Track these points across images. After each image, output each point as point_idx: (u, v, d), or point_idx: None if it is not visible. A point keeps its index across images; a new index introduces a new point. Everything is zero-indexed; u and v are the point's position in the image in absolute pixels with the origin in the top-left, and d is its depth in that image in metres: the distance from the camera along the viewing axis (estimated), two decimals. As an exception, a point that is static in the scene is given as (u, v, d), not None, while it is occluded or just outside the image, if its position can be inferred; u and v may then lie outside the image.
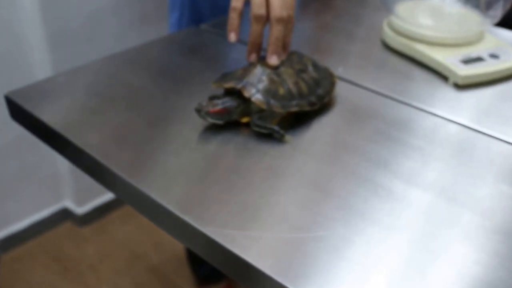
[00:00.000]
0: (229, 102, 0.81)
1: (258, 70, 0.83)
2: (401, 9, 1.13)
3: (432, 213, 0.69)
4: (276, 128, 0.80)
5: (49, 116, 0.87)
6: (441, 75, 1.01)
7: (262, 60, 0.87)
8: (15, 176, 1.98)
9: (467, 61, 1.01)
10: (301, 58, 0.90)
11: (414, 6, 1.17)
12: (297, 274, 0.60)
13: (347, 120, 0.87)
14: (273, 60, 0.85)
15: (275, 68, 0.84)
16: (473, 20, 1.11)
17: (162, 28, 1.74)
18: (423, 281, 0.60)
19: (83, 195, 2.14)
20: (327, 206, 0.69)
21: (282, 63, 0.86)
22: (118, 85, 0.95)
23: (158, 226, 0.72)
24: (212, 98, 0.83)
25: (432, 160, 0.78)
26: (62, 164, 2.05)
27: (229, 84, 0.82)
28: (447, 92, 0.97)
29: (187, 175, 0.74)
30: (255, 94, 0.80)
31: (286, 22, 0.85)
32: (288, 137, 0.81)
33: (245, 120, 0.83)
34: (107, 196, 2.20)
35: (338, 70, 1.00)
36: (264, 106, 0.80)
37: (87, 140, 0.80)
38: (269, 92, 0.81)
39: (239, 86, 0.81)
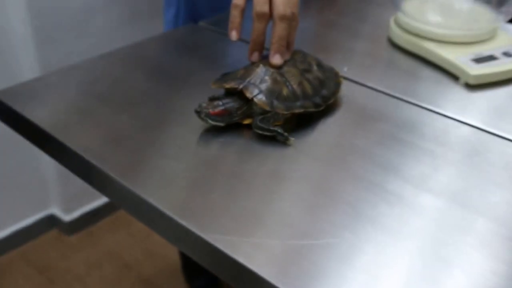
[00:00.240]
0: (230, 103, 0.82)
1: (261, 70, 0.84)
2: (408, 5, 1.14)
3: (444, 220, 0.70)
4: (279, 130, 0.81)
5: (40, 117, 0.87)
6: (451, 74, 1.02)
7: (264, 59, 0.87)
8: (-3, 181, 1.99)
9: (479, 59, 1.02)
10: (305, 58, 0.91)
11: (422, 2, 1.18)
12: (303, 283, 0.60)
13: (354, 122, 0.88)
14: (276, 59, 0.85)
15: (278, 68, 0.85)
16: (485, 16, 1.12)
17: (155, 25, 1.74)
18: (435, 291, 0.60)
19: (71, 201, 2.15)
20: (334, 212, 0.70)
21: (286, 63, 0.87)
22: (113, 85, 0.96)
23: (157, 233, 0.73)
24: (213, 99, 0.84)
25: (444, 164, 0.79)
26: (48, 168, 2.05)
27: (230, 84, 0.83)
28: (458, 93, 0.98)
29: (186, 179, 0.75)
30: (258, 95, 0.81)
31: (290, 20, 0.86)
32: (292, 139, 0.82)
33: (247, 122, 0.84)
34: (97, 202, 2.21)
35: (344, 70, 1.01)
36: (267, 107, 0.81)
37: (81, 142, 0.81)
38: (272, 93, 0.82)
39: (240, 86, 0.82)
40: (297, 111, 0.83)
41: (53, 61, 1.82)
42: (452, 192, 0.74)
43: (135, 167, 0.77)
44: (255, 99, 0.81)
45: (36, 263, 2.06)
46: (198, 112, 0.81)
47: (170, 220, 0.69)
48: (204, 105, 0.81)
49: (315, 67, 0.90)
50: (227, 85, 0.83)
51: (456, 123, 0.89)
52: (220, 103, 0.82)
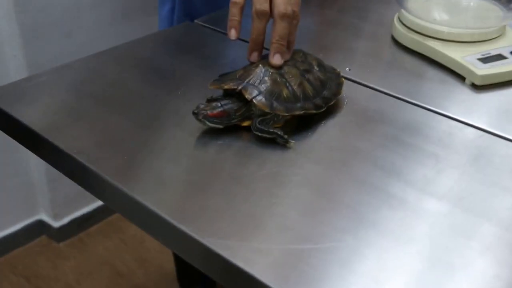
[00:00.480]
0: (228, 105, 0.84)
1: (260, 70, 0.86)
2: (413, 2, 1.15)
3: (448, 224, 0.71)
4: (279, 132, 0.83)
5: (31, 118, 0.89)
6: (457, 74, 1.03)
7: (264, 59, 0.89)
8: (-17, 185, 2.00)
9: (486, 59, 1.02)
10: (306, 57, 0.92)
11: (427, -1, 1.19)
12: (304, 288, 0.62)
13: (356, 124, 0.90)
14: (276, 59, 0.87)
15: (278, 68, 0.87)
16: (493, 14, 1.13)
17: (149, 22, 1.76)
18: (438, 296, 0.62)
19: (60, 207, 2.15)
20: (335, 216, 0.71)
21: (286, 63, 0.89)
22: (106, 85, 0.98)
23: (153, 237, 0.75)
24: (211, 100, 0.86)
25: (448, 167, 0.81)
26: (36, 171, 2.06)
27: (228, 85, 0.85)
28: (464, 93, 0.99)
29: (184, 182, 0.77)
30: (257, 96, 0.83)
31: (291, 18, 0.87)
32: (292, 142, 0.83)
33: (246, 124, 0.86)
34: (87, 207, 2.21)
35: (345, 70, 1.02)
36: (266, 109, 0.83)
37: (75, 144, 0.83)
38: (272, 94, 0.84)
39: (239, 87, 0.84)
40: (297, 113, 0.85)
41: (41, 60, 1.83)
42: (456, 196, 0.76)
43: (131, 170, 0.79)
44: (254, 101, 0.83)
45: (24, 271, 2.07)
46: (195, 114, 0.83)
47: (167, 224, 0.70)
48: (202, 106, 0.83)
49: (316, 68, 0.92)
50: (226, 86, 0.85)
51: (461, 125, 0.90)
52: (219, 104, 0.84)
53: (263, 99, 0.83)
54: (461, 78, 1.02)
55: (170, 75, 1.02)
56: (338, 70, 0.97)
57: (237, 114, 0.85)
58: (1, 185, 2.03)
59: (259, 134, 0.84)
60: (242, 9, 0.89)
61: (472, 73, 1.00)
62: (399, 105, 0.95)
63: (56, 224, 2.16)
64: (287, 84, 0.86)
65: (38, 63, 1.83)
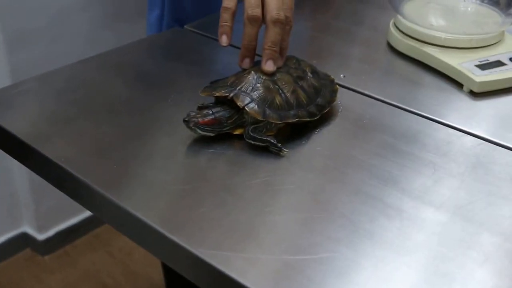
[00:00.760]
0: (220, 112, 0.85)
1: (252, 77, 0.87)
2: (409, 7, 1.16)
3: (447, 234, 0.72)
4: (272, 140, 0.84)
5: (17, 126, 0.90)
6: (455, 81, 1.04)
7: (256, 66, 0.90)
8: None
9: (484, 65, 1.03)
10: (299, 64, 0.93)
11: (423, 4, 1.19)
12: (299, 300, 0.63)
13: (350, 132, 0.91)
14: (269, 66, 0.88)
15: (270, 75, 0.88)
16: (491, 19, 1.14)
17: (137, 28, 1.76)
18: (436, 307, 0.63)
19: (45, 219, 2.15)
20: (330, 226, 0.72)
21: (279, 70, 0.89)
22: (95, 92, 0.99)
23: (144, 249, 0.75)
24: (202, 107, 0.87)
25: (446, 176, 0.81)
26: (20, 182, 2.06)
27: (220, 93, 0.86)
28: (462, 101, 1.00)
29: (175, 192, 0.78)
30: (249, 104, 0.84)
31: (284, 24, 0.88)
32: (285, 150, 0.84)
33: (238, 132, 0.86)
34: (73, 219, 2.21)
35: (340, 77, 1.03)
36: (259, 117, 0.84)
37: (62, 153, 0.84)
38: (265, 101, 0.85)
39: (231, 94, 0.85)
40: (290, 120, 0.86)
41: (26, 66, 1.83)
42: (455, 205, 0.76)
43: (120, 179, 0.80)
44: (246, 108, 0.84)
45: (8, 285, 2.06)
46: (186, 122, 0.83)
47: (158, 234, 0.71)
48: (192, 114, 0.84)
49: (309, 74, 0.92)
50: (217, 93, 0.86)
51: (459, 133, 0.91)
52: (210, 112, 0.84)
53: (256, 107, 0.84)
54: (458, 85, 1.03)
55: (159, 82, 1.02)
56: (332, 77, 0.97)
57: (229, 122, 0.85)
58: (-17, 196, 2.03)
59: (252, 142, 0.85)
60: (234, 14, 0.90)
61: (470, 80, 1.00)
62: (395, 113, 0.96)
63: (40, 236, 2.16)
64: (280, 91, 0.87)
65: (23, 70, 1.82)
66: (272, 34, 0.88)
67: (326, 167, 0.83)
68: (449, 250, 0.70)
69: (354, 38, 1.22)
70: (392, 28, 1.16)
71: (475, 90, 1.00)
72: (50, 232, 2.18)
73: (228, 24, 0.90)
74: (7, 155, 0.93)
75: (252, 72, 0.88)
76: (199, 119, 0.83)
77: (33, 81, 1.02)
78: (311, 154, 0.86)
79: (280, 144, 0.84)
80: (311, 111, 0.88)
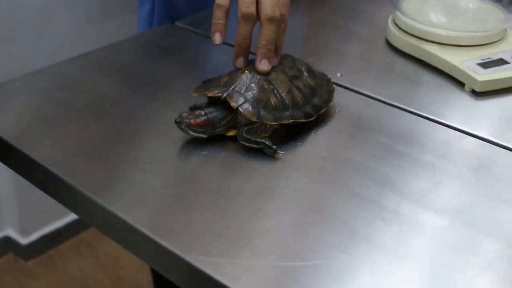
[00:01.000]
0: (213, 113, 0.86)
1: (246, 77, 0.88)
2: (408, 3, 1.16)
3: (447, 239, 0.73)
4: (267, 142, 0.84)
5: (2, 127, 0.91)
6: (456, 80, 1.04)
7: (250, 65, 0.91)
8: None
9: (487, 64, 1.03)
10: (295, 63, 0.94)
11: (423, 0, 1.20)
12: (293, 307, 0.64)
13: (347, 133, 0.92)
14: (264, 65, 0.89)
15: (265, 75, 0.89)
16: (494, 16, 1.14)
17: (128, 24, 1.76)
18: (435, 315, 0.64)
19: (29, 222, 2.15)
20: (325, 231, 0.73)
21: (274, 69, 0.90)
22: (83, 92, 1.00)
23: (134, 254, 0.76)
24: (194, 108, 0.88)
25: (446, 179, 0.82)
26: (2, 184, 2.05)
27: (213, 93, 0.86)
28: (463, 100, 1.01)
29: (166, 196, 0.79)
30: (243, 104, 0.85)
31: (279, 22, 0.89)
32: (280, 152, 0.85)
33: (231, 133, 0.87)
34: (58, 223, 2.21)
35: (337, 76, 1.04)
36: (253, 118, 0.84)
37: (49, 155, 0.84)
38: (259, 102, 0.86)
39: (224, 94, 0.85)
40: (286, 121, 0.87)
41: (11, 65, 1.81)
42: (455, 209, 0.77)
43: (109, 182, 0.81)
44: (240, 109, 0.84)
45: (-10, 292, 2.07)
46: (178, 123, 0.84)
47: (148, 240, 0.72)
48: (184, 114, 0.84)
49: (305, 73, 0.93)
50: (210, 93, 0.87)
51: (460, 134, 0.92)
52: (202, 112, 0.85)
53: (250, 107, 0.85)
54: (460, 84, 1.03)
55: (150, 81, 1.03)
56: (329, 76, 0.98)
57: (222, 123, 0.86)
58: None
59: (246, 144, 0.85)
60: (227, 12, 0.90)
61: (471, 78, 1.01)
62: (394, 113, 0.97)
63: (24, 240, 2.16)
64: (275, 91, 0.88)
65: (8, 69, 1.81)
66: (267, 32, 0.88)
67: (322, 170, 0.84)
68: (450, 256, 0.70)
69: (351, 35, 1.23)
70: (391, 25, 1.16)
71: (477, 89, 1.01)
72: (34, 236, 2.18)
73: (221, 21, 0.90)
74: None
75: (246, 71, 0.89)
76: (191, 120, 0.84)
77: (20, 81, 1.03)
78: (307, 156, 0.86)
79: (275, 146, 0.84)
80: (307, 111, 0.89)
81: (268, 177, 0.81)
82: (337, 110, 0.96)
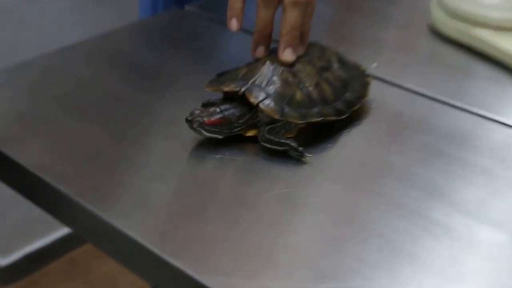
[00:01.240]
0: (229, 110, 0.85)
1: (268, 68, 0.87)
2: None
3: (505, 258, 0.72)
4: (292, 143, 0.84)
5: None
6: (512, 71, 1.04)
7: (272, 55, 0.90)
8: None
9: None
10: (324, 52, 0.94)
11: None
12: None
13: (386, 133, 0.92)
14: (287, 55, 0.88)
15: (289, 66, 0.89)
16: None
17: (127, 8, 1.76)
18: None
19: (9, 240, 2.15)
20: (363, 248, 0.72)
21: (299, 59, 0.90)
22: (78, 87, 1.00)
23: (137, 275, 0.76)
24: (207, 104, 0.87)
25: (504, 187, 0.81)
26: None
27: (229, 87, 0.86)
28: (522, 95, 1.00)
29: (175, 206, 0.79)
30: (264, 100, 0.85)
31: (304, 5, 0.88)
32: (308, 155, 0.84)
33: (251, 133, 0.87)
34: (43, 240, 2.21)
35: (372, 66, 1.04)
36: (276, 116, 0.84)
37: (39, 160, 0.85)
38: (283, 97, 0.86)
39: (243, 89, 0.85)
40: (314, 120, 0.87)
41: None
42: (516, 222, 0.77)
43: (108, 191, 0.81)
44: (261, 105, 0.84)
45: (-35, 321, 2.07)
46: (189, 122, 0.84)
47: (155, 257, 0.71)
48: (197, 112, 0.84)
49: (336, 64, 0.93)
50: (226, 88, 0.87)
51: (520, 134, 0.91)
52: (217, 109, 0.85)
53: (272, 104, 0.85)
54: (518, 75, 1.03)
55: (155, 74, 1.03)
56: (364, 66, 0.98)
57: (240, 121, 0.86)
58: None
59: (267, 146, 0.85)
60: (246, -6, 0.90)
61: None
62: (441, 110, 0.96)
63: (3, 261, 2.16)
64: (301, 85, 0.87)
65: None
66: (291, 17, 0.88)
67: (357, 176, 0.84)
68: (509, 278, 0.69)
69: (389, 20, 1.23)
70: (435, 7, 1.16)
71: (539, 81, 1.00)
72: (15, 256, 2.18)
73: (238, 5, 0.90)
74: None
75: (268, 62, 0.88)
76: (205, 119, 0.84)
77: (3, 74, 1.03)
78: (339, 160, 0.86)
79: (301, 148, 0.84)
80: (338, 108, 0.89)
81: (294, 184, 0.81)
82: (373, 107, 0.96)
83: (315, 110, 0.87)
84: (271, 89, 0.86)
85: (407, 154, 0.87)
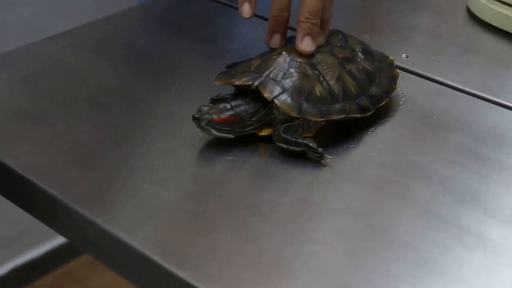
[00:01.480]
0: (241, 107, 0.87)
1: (284, 60, 0.89)
2: None
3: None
4: (311, 144, 0.86)
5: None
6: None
7: (289, 44, 0.92)
8: None
9: None
10: (347, 41, 0.96)
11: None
12: None
13: (416, 132, 0.94)
14: (306, 44, 0.90)
15: (308, 57, 0.90)
16: None
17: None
18: None
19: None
20: (388, 258, 0.74)
21: (319, 49, 0.92)
22: (72, 80, 1.02)
23: (137, 287, 0.78)
24: (217, 100, 0.90)
25: (545, 192, 0.83)
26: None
27: (241, 80, 0.88)
28: None
29: (182, 213, 0.81)
30: (280, 95, 0.87)
31: (326, -12, 0.90)
32: (328, 157, 0.86)
33: (265, 133, 0.89)
34: (34, 251, 2.22)
35: (402, 57, 1.06)
36: (293, 113, 0.86)
37: (29, 161, 0.87)
38: (301, 92, 0.87)
39: (256, 83, 0.87)
40: (335, 117, 0.88)
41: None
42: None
43: (107, 195, 0.83)
44: (276, 101, 0.86)
45: None
46: (197, 119, 0.85)
47: (159, 268, 0.73)
48: (205, 109, 0.86)
49: (360, 55, 0.95)
50: (237, 81, 0.88)
51: None
52: (228, 106, 0.87)
53: (289, 99, 0.86)
54: None
55: (157, 65, 1.05)
56: (392, 58, 1.00)
57: (253, 119, 0.88)
58: None
59: (284, 146, 0.87)
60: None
61: None
62: (478, 106, 0.98)
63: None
64: (321, 79, 0.89)
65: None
66: (310, 1, 0.90)
67: (382, 180, 0.86)
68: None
69: (421, 4, 1.24)
70: (474, -10, 1.17)
71: None
72: (2, 270, 2.19)
73: (252, -13, 0.92)
74: None
75: (284, 52, 0.90)
76: (214, 116, 0.86)
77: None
78: (362, 162, 0.88)
79: (321, 149, 0.86)
80: (362, 104, 0.91)
81: (313, 189, 0.83)
82: (402, 103, 0.98)
83: (336, 106, 0.89)
84: (288, 83, 0.88)
85: (438, 156, 0.88)
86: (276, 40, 0.93)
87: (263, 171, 0.86)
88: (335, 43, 0.95)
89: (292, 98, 0.87)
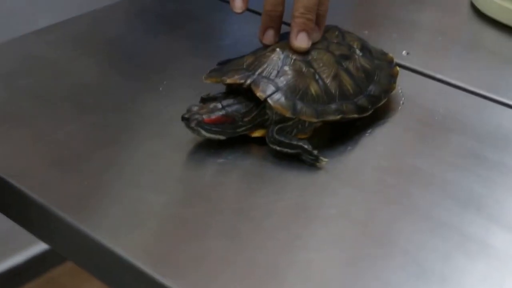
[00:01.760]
0: (233, 107, 0.87)
1: (278, 57, 0.89)
2: None
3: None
4: (305, 146, 0.86)
5: None
6: None
7: (283, 41, 0.92)
8: None
9: None
10: (344, 38, 0.96)
11: None
12: None
13: (416, 134, 0.94)
14: (301, 41, 0.90)
15: (303, 54, 0.90)
16: None
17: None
18: None
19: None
20: (387, 267, 0.74)
21: (315, 46, 0.92)
22: (55, 77, 1.02)
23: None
24: (207, 99, 0.89)
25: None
26: None
27: (233, 79, 0.88)
28: None
29: (170, 219, 0.81)
30: (274, 95, 0.87)
31: (322, -19, 0.90)
32: (324, 160, 0.86)
33: (257, 134, 0.89)
34: (16, 257, 2.21)
35: (402, 54, 1.06)
36: (287, 113, 0.86)
37: (9, 164, 0.87)
38: (296, 92, 0.87)
39: (248, 81, 0.87)
40: (331, 118, 0.88)
41: None
42: None
43: (92, 201, 0.83)
44: (269, 101, 0.86)
45: None
46: (186, 120, 0.85)
47: (145, 277, 0.73)
48: (195, 109, 0.86)
49: (358, 52, 0.95)
50: (229, 80, 0.88)
51: None
52: (219, 106, 0.87)
53: (282, 99, 0.86)
54: None
55: (146, 62, 1.05)
56: (391, 54, 1.00)
57: (245, 120, 0.88)
58: None
59: (277, 148, 0.87)
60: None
61: None
62: (481, 106, 0.98)
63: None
64: (317, 77, 0.89)
65: None
66: (306, -5, 0.90)
67: (381, 184, 0.86)
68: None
69: (422, -2, 1.24)
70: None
71: None
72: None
73: (244, -19, 0.92)
74: None
75: (278, 49, 0.90)
76: (204, 116, 0.85)
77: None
78: (360, 165, 0.88)
79: (316, 151, 0.86)
80: (360, 104, 0.91)
81: (308, 194, 0.83)
82: (402, 102, 0.98)
83: (333, 106, 0.89)
84: (282, 81, 0.88)
85: (439, 158, 0.88)
86: (269, 36, 0.93)
87: (256, 174, 0.86)
88: (331, 40, 0.95)
89: (286, 98, 0.87)
